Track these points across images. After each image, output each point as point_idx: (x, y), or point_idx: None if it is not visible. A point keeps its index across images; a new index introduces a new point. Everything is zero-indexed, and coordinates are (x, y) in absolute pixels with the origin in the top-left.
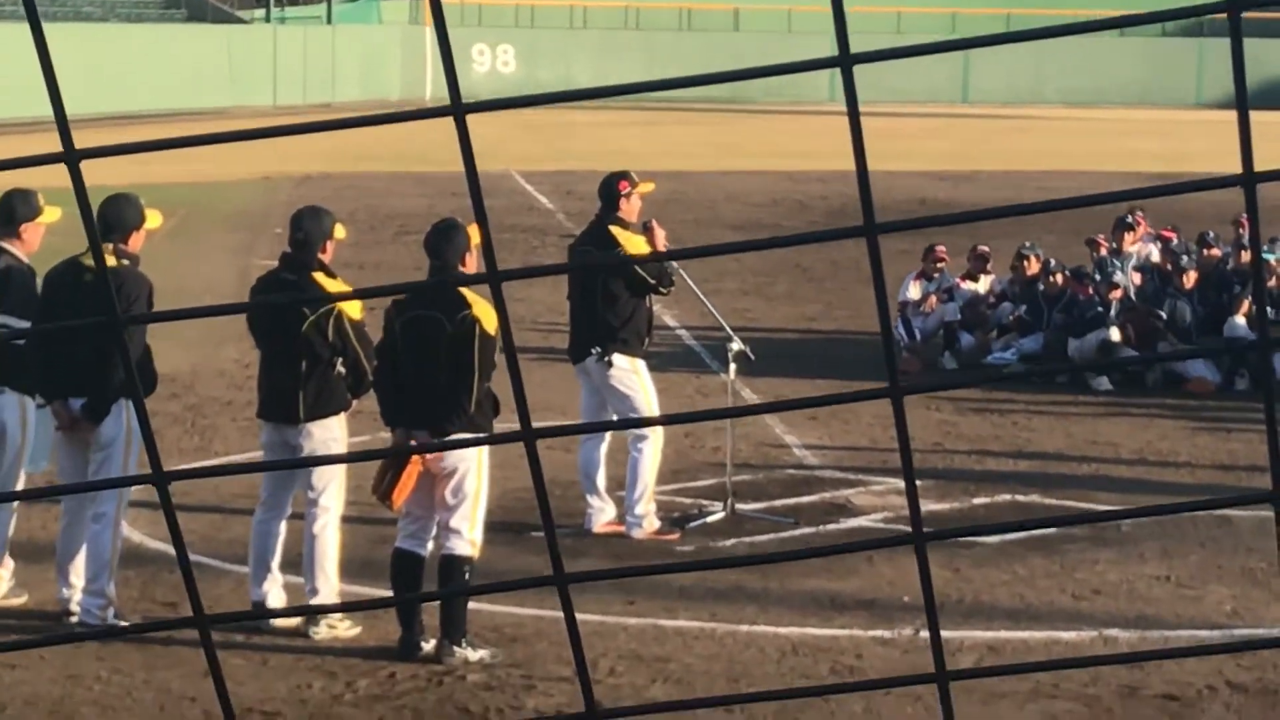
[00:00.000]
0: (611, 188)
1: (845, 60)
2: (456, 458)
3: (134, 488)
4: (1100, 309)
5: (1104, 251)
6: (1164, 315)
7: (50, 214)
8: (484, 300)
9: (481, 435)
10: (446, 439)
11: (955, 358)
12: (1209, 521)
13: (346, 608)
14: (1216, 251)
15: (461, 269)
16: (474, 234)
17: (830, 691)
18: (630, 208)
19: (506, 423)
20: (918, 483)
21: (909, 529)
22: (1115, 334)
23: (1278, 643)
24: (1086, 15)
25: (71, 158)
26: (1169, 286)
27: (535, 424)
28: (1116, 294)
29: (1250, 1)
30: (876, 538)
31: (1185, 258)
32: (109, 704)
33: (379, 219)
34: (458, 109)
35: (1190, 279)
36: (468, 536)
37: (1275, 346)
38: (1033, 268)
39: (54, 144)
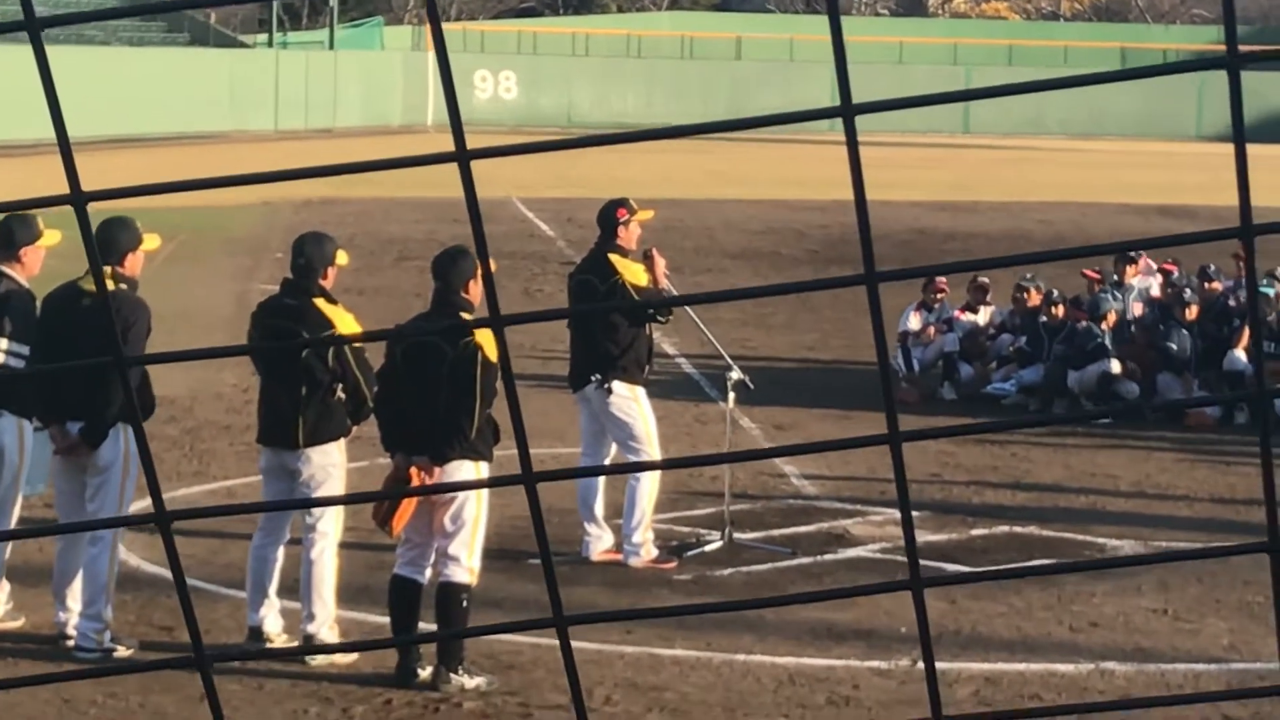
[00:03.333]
0: (610, 216)
1: (847, 110)
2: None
3: (130, 512)
4: (1099, 340)
5: (1099, 286)
6: (1174, 346)
7: (50, 237)
8: (486, 330)
9: (482, 479)
10: (446, 470)
11: (954, 389)
12: None
13: (348, 647)
14: (1218, 285)
15: (465, 296)
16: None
17: None
18: (629, 235)
19: (506, 450)
20: (915, 513)
21: (906, 560)
22: (1116, 366)
23: (1257, 694)
24: (1086, 46)
25: (79, 200)
26: (1169, 319)
27: (534, 452)
28: (1110, 321)
29: (1249, 58)
30: (868, 585)
31: (1187, 291)
32: None
33: (379, 244)
34: (462, 155)
35: (1191, 312)
36: (466, 564)
37: (1274, 395)
38: (1033, 299)
39: (56, 168)
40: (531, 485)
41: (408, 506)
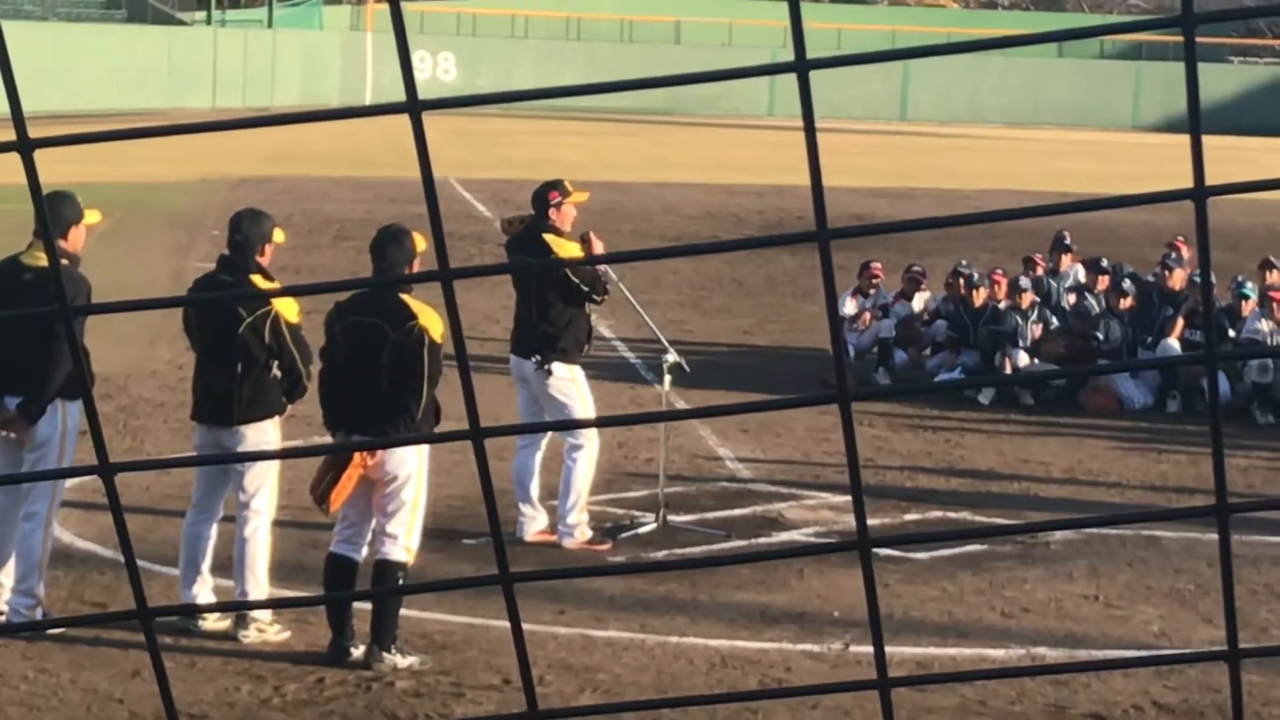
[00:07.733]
0: (542, 198)
1: (801, 65)
2: (397, 464)
3: (66, 487)
4: (1014, 329)
5: (1040, 271)
6: (1100, 336)
7: None
8: (428, 309)
9: (427, 435)
10: (391, 440)
11: (889, 374)
12: (1137, 542)
13: (284, 603)
14: (1181, 272)
15: None
16: (420, 242)
17: (769, 696)
18: (562, 217)
19: (447, 426)
20: (848, 497)
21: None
22: (1024, 358)
23: (1201, 657)
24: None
25: (26, 146)
26: (1102, 307)
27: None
28: (1024, 301)
29: (1205, 18)
30: (818, 543)
31: (1126, 281)
32: (35, 704)
33: (316, 223)
34: (414, 106)
35: (1126, 302)
36: (404, 543)
37: (1224, 358)
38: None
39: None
40: (479, 440)
41: (347, 483)
